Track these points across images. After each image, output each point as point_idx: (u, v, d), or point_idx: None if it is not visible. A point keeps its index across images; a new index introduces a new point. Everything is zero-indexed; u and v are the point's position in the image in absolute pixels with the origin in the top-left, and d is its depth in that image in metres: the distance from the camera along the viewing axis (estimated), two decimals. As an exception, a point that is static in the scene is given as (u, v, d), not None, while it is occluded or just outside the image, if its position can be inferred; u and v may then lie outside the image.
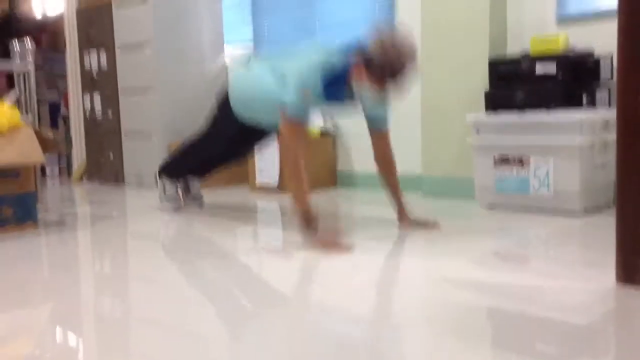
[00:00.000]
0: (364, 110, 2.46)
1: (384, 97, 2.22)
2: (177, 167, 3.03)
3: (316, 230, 2.16)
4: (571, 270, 1.75)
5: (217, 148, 2.82)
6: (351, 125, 3.85)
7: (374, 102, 2.29)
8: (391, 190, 2.50)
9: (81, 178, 4.93)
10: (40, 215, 2.84)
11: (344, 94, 2.33)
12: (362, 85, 2.18)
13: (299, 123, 2.25)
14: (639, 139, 1.49)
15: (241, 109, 2.60)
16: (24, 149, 2.50)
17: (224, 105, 2.68)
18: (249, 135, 2.74)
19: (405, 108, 3.55)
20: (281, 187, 3.62)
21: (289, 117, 2.23)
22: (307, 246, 2.11)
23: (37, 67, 3.81)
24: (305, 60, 2.26)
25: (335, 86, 2.27)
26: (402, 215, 2.48)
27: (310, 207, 2.17)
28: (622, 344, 1.23)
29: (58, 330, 1.42)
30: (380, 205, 3.00)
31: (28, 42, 3.49)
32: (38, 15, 6.54)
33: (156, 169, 3.19)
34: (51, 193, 4.18)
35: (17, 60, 3.50)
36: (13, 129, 2.52)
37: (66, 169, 5.45)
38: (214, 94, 4.47)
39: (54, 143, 2.99)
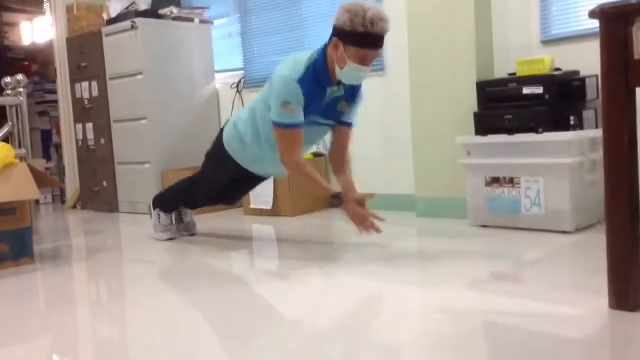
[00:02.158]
0: (342, 113, 2.51)
1: (366, 70, 2.26)
2: (171, 202, 3.06)
3: (342, 201, 2.35)
4: (565, 294, 1.78)
5: (211, 189, 2.85)
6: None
7: (356, 82, 2.37)
8: (341, 179, 2.62)
9: (75, 206, 4.93)
10: (36, 248, 2.85)
11: (325, 96, 2.37)
12: (344, 66, 2.21)
13: (291, 128, 2.30)
14: (624, 165, 1.53)
15: (237, 157, 2.64)
16: (19, 186, 2.51)
17: (220, 149, 2.69)
18: (244, 181, 2.79)
19: (397, 131, 3.59)
20: (275, 209, 3.65)
21: (281, 127, 2.29)
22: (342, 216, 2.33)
23: (28, 95, 3.82)
24: (278, 78, 2.30)
25: (318, 90, 2.31)
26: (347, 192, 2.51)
27: (329, 189, 2.45)
28: (616, 372, 1.26)
29: (60, 374, 1.43)
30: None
31: (19, 75, 3.50)
32: (27, 43, 6.57)
33: (150, 198, 3.20)
34: (45, 222, 4.18)
35: (9, 93, 3.51)
36: (8, 166, 2.53)
37: (59, 197, 5.45)
38: (205, 121, 4.51)
39: (49, 178, 3.00)
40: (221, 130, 2.76)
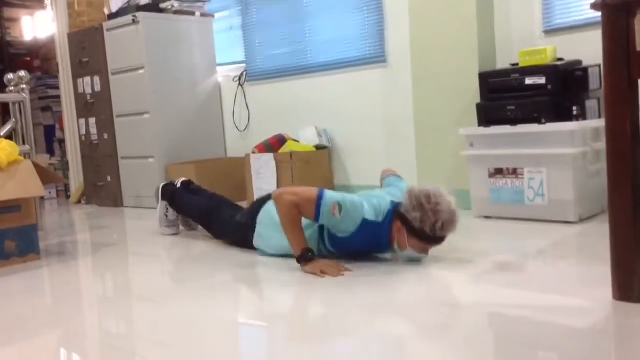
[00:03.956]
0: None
1: (425, 256, 2.17)
2: (183, 211, 3.05)
3: (313, 258, 2.14)
4: (569, 285, 1.79)
5: (227, 236, 2.76)
6: (346, 139, 3.89)
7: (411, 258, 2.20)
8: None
9: (79, 201, 4.95)
10: (42, 244, 2.86)
11: (370, 248, 2.26)
12: (403, 249, 2.12)
13: (316, 209, 2.10)
14: (627, 158, 1.53)
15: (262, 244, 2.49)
16: (24, 183, 2.52)
17: (250, 221, 2.52)
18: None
19: (400, 123, 3.59)
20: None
21: (319, 198, 2.09)
22: (306, 271, 2.12)
23: (31, 91, 3.83)
24: (357, 200, 2.15)
25: (369, 243, 2.20)
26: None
27: (304, 243, 2.15)
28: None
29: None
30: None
31: (22, 72, 3.50)
32: (29, 39, 6.57)
33: (158, 185, 3.17)
34: (50, 217, 4.20)
35: (12, 90, 3.51)
36: (13, 164, 2.54)
37: (64, 192, 5.47)
38: (208, 115, 4.52)
39: (54, 174, 3.01)
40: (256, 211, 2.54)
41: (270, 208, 2.40)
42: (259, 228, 2.47)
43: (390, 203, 2.18)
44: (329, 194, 2.13)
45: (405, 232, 2.09)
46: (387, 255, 2.25)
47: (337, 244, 2.23)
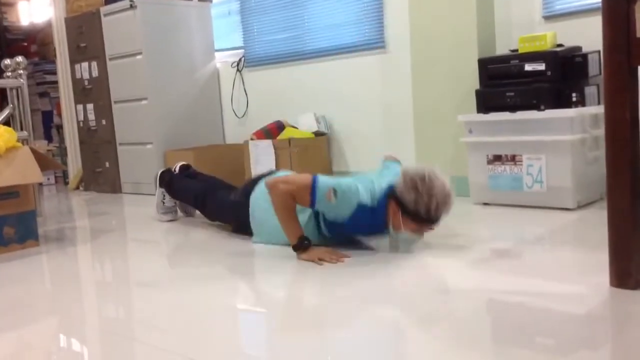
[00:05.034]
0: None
1: (420, 237, 2.18)
2: (179, 196, 3.06)
3: (309, 246, 2.14)
4: (567, 272, 1.80)
5: (222, 217, 2.78)
6: (345, 126, 3.89)
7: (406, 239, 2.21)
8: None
9: (78, 187, 4.94)
10: (40, 230, 2.87)
11: (365, 232, 2.26)
12: (398, 230, 2.12)
13: (311, 196, 2.09)
14: (626, 145, 1.53)
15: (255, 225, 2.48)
16: (22, 170, 2.52)
17: (244, 201, 2.51)
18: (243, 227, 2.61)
19: (399, 110, 3.58)
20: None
21: (313, 186, 2.08)
22: (302, 259, 2.12)
23: (28, 76, 3.81)
24: (350, 182, 2.15)
25: (364, 224, 2.18)
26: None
27: (300, 230, 2.16)
28: (617, 349, 1.28)
29: (65, 345, 1.46)
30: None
31: (19, 57, 3.49)
32: (26, 24, 6.52)
33: (157, 172, 3.17)
34: (49, 203, 4.19)
35: (9, 75, 3.50)
36: (11, 150, 2.53)
37: (62, 178, 5.46)
38: (206, 101, 4.50)
39: (52, 161, 3.00)
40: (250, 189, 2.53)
41: (263, 190, 2.36)
42: (253, 210, 2.46)
43: (384, 185, 2.18)
44: (323, 180, 2.12)
45: (400, 214, 2.10)
46: (385, 243, 2.25)
47: (332, 228, 2.23)
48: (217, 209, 2.77)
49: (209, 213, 2.85)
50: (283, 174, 2.42)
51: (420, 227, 2.12)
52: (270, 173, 2.56)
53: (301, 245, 2.13)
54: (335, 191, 2.08)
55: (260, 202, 2.41)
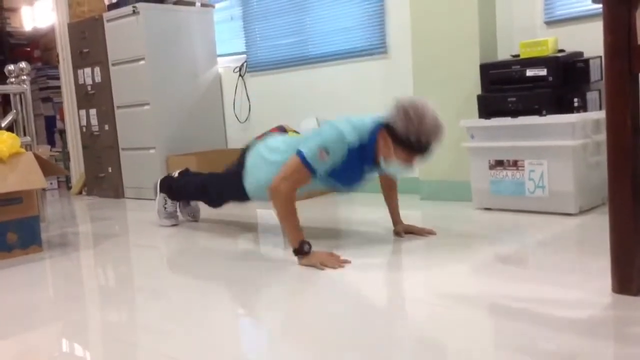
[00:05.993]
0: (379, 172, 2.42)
1: (410, 169, 2.20)
2: (181, 194, 3.07)
3: (310, 251, 2.14)
4: (569, 278, 1.80)
5: (218, 198, 2.82)
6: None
7: (399, 174, 2.26)
8: (390, 206, 2.55)
9: (80, 192, 4.96)
10: (44, 235, 2.87)
11: (359, 175, 2.30)
12: (389, 160, 2.14)
13: (308, 170, 2.16)
14: (628, 150, 1.53)
15: (252, 189, 2.54)
16: (26, 175, 2.53)
17: (239, 169, 2.58)
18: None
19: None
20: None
21: (303, 162, 2.14)
22: (303, 264, 2.13)
23: (31, 81, 3.83)
24: (333, 127, 2.19)
25: (356, 165, 2.23)
26: (398, 222, 2.52)
27: (301, 235, 2.16)
28: (619, 355, 1.28)
29: (68, 350, 1.46)
30: (378, 207, 3.03)
31: (22, 63, 3.50)
32: (29, 29, 6.55)
33: (156, 180, 3.19)
34: (52, 208, 4.21)
35: (12, 81, 3.51)
36: (14, 156, 2.55)
37: (65, 183, 5.48)
38: (208, 106, 4.52)
39: (55, 166, 3.01)
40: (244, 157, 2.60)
41: (258, 148, 2.50)
42: (248, 166, 2.51)
43: (368, 121, 2.23)
44: (307, 148, 2.17)
45: (389, 141, 2.12)
46: (387, 244, 2.26)
47: (327, 181, 2.30)
48: (218, 188, 2.79)
49: (213, 197, 2.86)
50: (273, 137, 2.54)
51: (410, 157, 2.13)
52: (264, 134, 2.64)
53: (302, 250, 2.13)
54: (326, 149, 2.14)
55: (255, 160, 2.49)
